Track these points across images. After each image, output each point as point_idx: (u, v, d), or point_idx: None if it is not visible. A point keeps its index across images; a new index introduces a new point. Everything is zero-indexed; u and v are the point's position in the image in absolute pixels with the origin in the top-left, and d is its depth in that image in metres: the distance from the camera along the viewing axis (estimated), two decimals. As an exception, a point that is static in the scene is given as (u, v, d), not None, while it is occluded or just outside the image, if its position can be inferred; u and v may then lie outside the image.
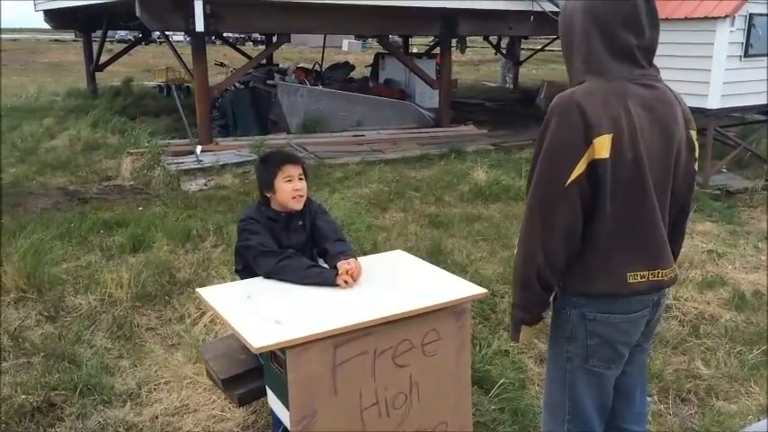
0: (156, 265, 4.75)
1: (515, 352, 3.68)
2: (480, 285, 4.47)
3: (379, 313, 2.22)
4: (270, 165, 2.74)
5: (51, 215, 6.19)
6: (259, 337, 2.06)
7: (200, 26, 8.06)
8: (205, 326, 3.93)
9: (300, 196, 2.71)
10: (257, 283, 2.53)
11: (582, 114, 1.68)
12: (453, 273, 4.69)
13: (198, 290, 2.48)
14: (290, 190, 2.68)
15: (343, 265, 2.49)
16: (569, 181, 1.70)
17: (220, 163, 8.05)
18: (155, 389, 3.38)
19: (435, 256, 5.10)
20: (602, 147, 1.68)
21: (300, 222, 2.78)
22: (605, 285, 1.79)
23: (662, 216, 1.81)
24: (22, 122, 10.87)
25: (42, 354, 3.57)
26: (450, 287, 2.49)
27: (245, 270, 2.74)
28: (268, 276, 2.54)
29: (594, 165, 1.70)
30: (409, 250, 5.37)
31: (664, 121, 1.79)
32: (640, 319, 1.87)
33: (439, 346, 2.40)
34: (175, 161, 8.13)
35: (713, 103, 7.11)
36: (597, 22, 1.75)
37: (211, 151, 8.64)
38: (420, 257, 5.07)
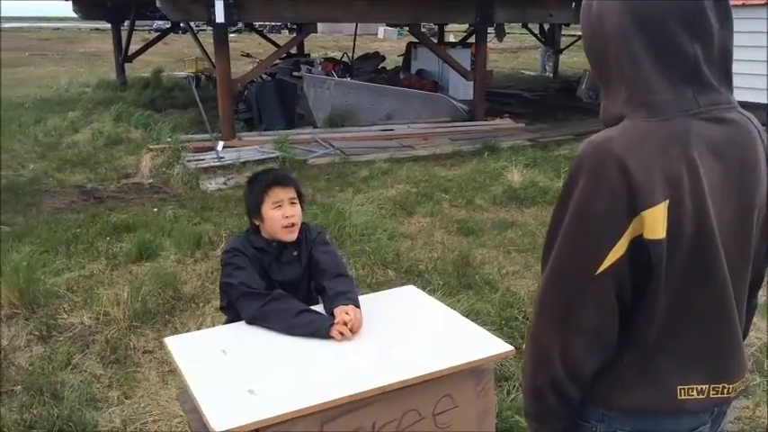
0: (160, 276, 4.41)
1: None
2: (512, 306, 4.13)
3: (378, 381, 1.80)
4: (256, 188, 2.34)
5: (62, 217, 5.92)
6: (224, 415, 1.65)
7: (220, 17, 7.70)
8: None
9: (292, 225, 2.29)
10: (237, 332, 2.13)
11: (624, 174, 1.15)
12: (483, 290, 4.36)
13: (166, 339, 2.09)
14: (279, 218, 2.27)
15: (340, 313, 2.07)
16: (602, 269, 1.18)
17: (241, 160, 7.71)
18: (141, 429, 3.03)
19: (463, 269, 4.66)
20: (655, 222, 1.15)
21: (295, 253, 2.38)
22: (645, 398, 1.27)
23: (738, 308, 1.28)
24: (49, 115, 10.71)
25: (22, 386, 3.24)
26: (470, 341, 2.05)
27: (230, 308, 2.34)
28: (251, 322, 2.14)
29: (641, 246, 1.17)
30: (435, 261, 4.98)
31: (741, 172, 1.25)
32: None
33: (455, 415, 1.97)
34: (195, 158, 7.83)
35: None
36: (644, 26, 1.19)
37: (233, 147, 8.31)
38: (446, 270, 4.73)
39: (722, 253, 1.22)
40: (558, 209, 1.24)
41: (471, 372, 1.96)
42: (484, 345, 2.03)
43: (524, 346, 1.37)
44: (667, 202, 1.15)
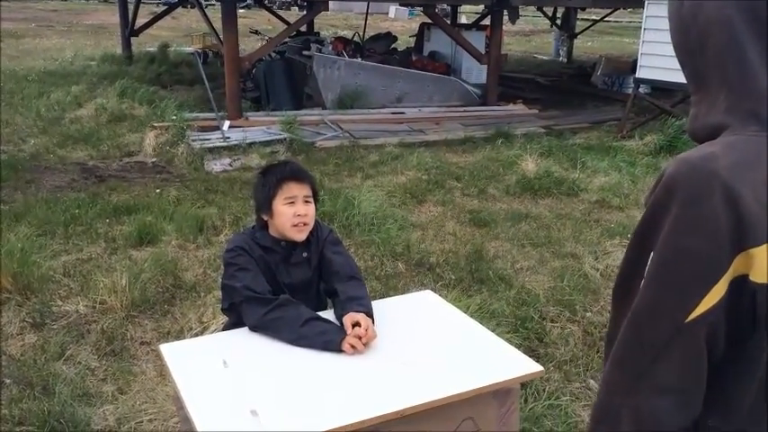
0: (160, 263, 4.23)
1: (568, 400, 3.03)
2: (528, 305, 3.93)
3: (393, 405, 1.62)
4: (269, 180, 2.14)
5: (61, 196, 5.74)
6: (223, 442, 1.48)
7: (229, -9, 7.44)
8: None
9: (304, 224, 2.10)
10: (240, 339, 1.95)
11: (732, 204, 0.92)
12: (497, 287, 4.16)
13: (161, 347, 1.91)
14: (290, 215, 2.08)
15: (351, 322, 1.89)
16: (693, 316, 0.95)
17: (248, 141, 7.49)
18: (136, 428, 2.87)
19: (476, 263, 4.47)
20: (762, 262, 0.93)
21: (305, 254, 2.18)
22: None
23: None
24: (52, 89, 10.49)
25: (11, 379, 3.07)
26: (494, 359, 1.86)
27: (233, 310, 2.16)
28: (256, 330, 1.96)
29: (744, 289, 0.95)
30: (446, 254, 4.79)
31: None
32: None
33: (475, 439, 1.79)
34: (201, 137, 7.61)
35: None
36: (755, 12, 0.96)
37: (240, 127, 8.08)
38: (458, 264, 4.54)
39: None
40: (639, 240, 1.02)
41: (495, 393, 1.77)
42: (509, 363, 1.84)
43: (590, 414, 1.15)
44: None
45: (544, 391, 3.02)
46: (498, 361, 1.85)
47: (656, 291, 0.99)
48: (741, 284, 0.94)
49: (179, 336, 3.56)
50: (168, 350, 1.89)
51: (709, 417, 1.04)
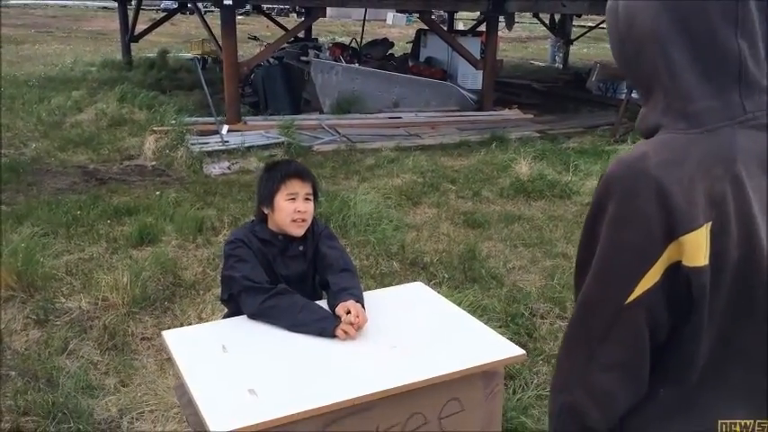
0: (161, 262, 4.34)
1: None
2: (519, 302, 4.04)
3: (383, 384, 1.73)
4: (273, 176, 2.25)
5: (63, 198, 5.84)
6: (223, 416, 1.58)
7: (228, -2, 7.57)
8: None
9: (303, 221, 2.21)
10: (239, 326, 2.05)
11: (662, 199, 1.02)
12: (489, 285, 4.27)
13: (163, 333, 2.02)
14: (290, 211, 2.19)
15: (343, 309, 1.99)
16: (632, 298, 1.06)
17: (246, 144, 7.61)
18: (138, 418, 2.97)
19: (469, 262, 4.58)
20: (696, 248, 1.02)
21: (301, 248, 2.29)
22: (683, 431, 1.15)
23: None
24: (53, 94, 10.61)
25: (16, 371, 3.17)
26: (479, 343, 1.97)
27: (232, 300, 2.26)
28: (253, 317, 2.06)
29: (679, 274, 1.05)
30: (440, 254, 4.90)
31: None
32: None
33: (461, 419, 1.89)
34: (200, 141, 7.73)
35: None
36: (682, 23, 1.06)
37: (239, 131, 8.20)
38: (451, 264, 4.65)
39: None
40: (585, 235, 1.14)
41: (481, 375, 1.88)
42: (494, 347, 1.95)
43: (550, 386, 1.27)
44: (709, 224, 1.03)
45: (532, 382, 3.13)
46: (483, 345, 1.95)
47: (599, 279, 1.10)
48: (676, 270, 1.04)
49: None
50: (171, 336, 1.99)
51: (661, 386, 1.15)
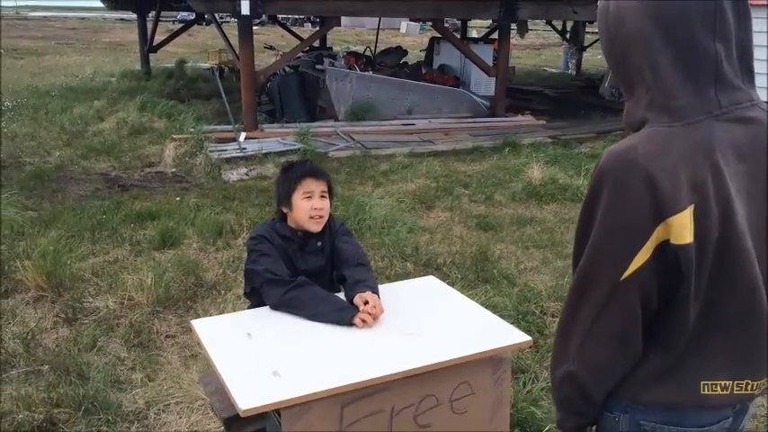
0: (183, 264, 4.49)
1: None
2: (530, 301, 4.15)
3: (398, 367, 1.85)
4: (289, 176, 2.39)
5: (87, 204, 6.03)
6: (249, 395, 1.71)
7: (245, 9, 7.77)
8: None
9: (320, 217, 2.34)
10: (262, 316, 2.19)
11: (649, 185, 1.15)
12: (501, 285, 4.38)
13: (192, 322, 2.16)
14: (307, 208, 2.32)
15: (361, 300, 2.12)
16: (626, 275, 1.20)
17: (263, 151, 7.79)
18: (164, 410, 3.11)
19: (481, 263, 4.69)
20: (682, 227, 1.16)
21: (319, 244, 2.42)
22: (670, 394, 1.29)
23: None
24: (75, 104, 10.88)
25: (49, 365, 3.33)
26: (488, 331, 2.09)
27: (255, 293, 2.40)
28: (276, 308, 2.20)
29: (668, 251, 1.18)
30: (453, 255, 5.02)
31: (765, 173, 1.24)
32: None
33: (471, 402, 2.01)
34: (218, 148, 7.92)
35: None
36: (664, 27, 1.18)
37: (256, 138, 8.39)
38: (464, 264, 4.77)
39: (752, 254, 1.22)
40: (583, 219, 1.27)
41: (489, 360, 2.00)
42: (502, 334, 2.07)
43: (550, 359, 1.41)
44: (692, 207, 1.16)
45: (542, 376, 3.23)
46: (492, 332, 2.07)
47: (595, 257, 1.24)
48: (665, 248, 1.18)
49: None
50: (199, 325, 2.13)
51: (651, 352, 1.28)
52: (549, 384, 3.14)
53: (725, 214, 1.18)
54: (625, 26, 1.23)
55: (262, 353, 1.94)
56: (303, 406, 1.74)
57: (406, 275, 4.56)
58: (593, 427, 1.47)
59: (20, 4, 49.70)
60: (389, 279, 4.45)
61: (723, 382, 1.28)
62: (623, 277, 1.20)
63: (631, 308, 1.23)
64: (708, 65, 1.19)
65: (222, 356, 1.91)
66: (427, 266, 4.69)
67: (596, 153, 8.25)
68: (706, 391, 1.27)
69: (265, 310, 2.22)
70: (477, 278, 4.46)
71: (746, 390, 1.30)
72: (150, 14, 14.27)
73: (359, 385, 1.79)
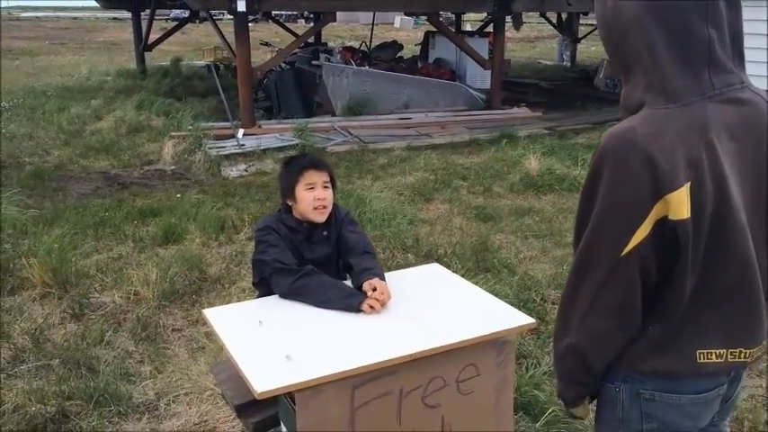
0: (186, 259, 4.55)
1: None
2: (530, 289, 4.22)
3: (406, 349, 1.91)
4: (291, 170, 2.44)
5: (89, 202, 6.07)
6: (264, 378, 1.77)
7: (241, 6, 7.81)
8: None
9: (324, 207, 2.40)
10: (272, 304, 2.24)
11: (648, 163, 1.22)
12: (501, 274, 4.45)
13: (204, 311, 2.21)
14: (311, 199, 2.38)
15: (369, 287, 2.18)
16: (627, 250, 1.26)
17: (262, 147, 7.84)
18: (174, 401, 3.16)
19: (481, 253, 4.76)
20: (679, 203, 1.22)
21: (325, 233, 2.48)
22: (668, 363, 1.36)
23: (762, 279, 1.35)
24: (71, 103, 10.89)
25: (59, 359, 3.38)
26: (492, 315, 2.15)
27: (263, 283, 2.45)
28: (285, 297, 2.25)
29: (667, 226, 1.24)
30: (454, 246, 5.08)
31: (757, 149, 1.32)
32: (714, 398, 1.43)
33: (477, 383, 2.07)
34: (217, 145, 7.96)
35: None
36: (660, 12, 1.25)
37: (254, 135, 8.43)
38: (464, 255, 4.83)
39: (746, 229, 1.29)
40: (584, 198, 1.33)
41: (494, 342, 2.05)
42: (506, 317, 2.13)
43: (553, 332, 1.49)
44: (689, 184, 1.22)
45: (544, 361, 3.30)
46: (496, 315, 2.13)
47: (598, 233, 1.30)
48: (663, 223, 1.25)
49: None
50: (211, 313, 2.19)
51: (650, 324, 1.35)
52: (552, 369, 3.23)
53: (719, 190, 1.25)
54: (622, 13, 1.29)
55: (273, 339, 1.99)
56: (316, 388, 1.79)
57: (408, 266, 4.61)
58: (594, 401, 1.54)
59: (11, 4, 49.53)
60: (392, 270, 4.49)
61: (718, 351, 1.35)
62: (624, 252, 1.26)
63: (632, 281, 1.29)
64: (702, 49, 1.26)
65: (236, 343, 1.96)
66: (428, 257, 4.75)
67: (592, 143, 8.31)
68: (702, 360, 1.35)
69: (275, 298, 2.28)
70: (477, 267, 4.52)
71: (740, 358, 1.38)
72: (145, 12, 14.26)
73: (369, 368, 1.85)
